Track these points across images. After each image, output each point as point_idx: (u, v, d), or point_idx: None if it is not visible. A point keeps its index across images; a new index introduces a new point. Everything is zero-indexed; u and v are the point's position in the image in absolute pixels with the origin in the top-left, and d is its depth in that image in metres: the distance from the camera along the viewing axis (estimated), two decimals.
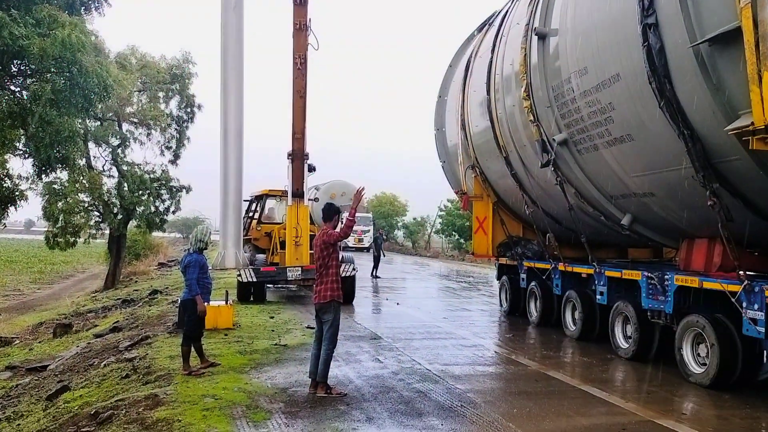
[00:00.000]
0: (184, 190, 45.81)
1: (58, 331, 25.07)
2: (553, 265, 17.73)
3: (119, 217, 44.00)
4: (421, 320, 20.23)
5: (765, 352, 11.08)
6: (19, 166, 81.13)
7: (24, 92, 25.33)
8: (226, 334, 16.67)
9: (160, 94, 44.31)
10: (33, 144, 25.97)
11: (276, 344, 15.50)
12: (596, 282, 15.53)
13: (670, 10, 9.98)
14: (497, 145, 18.14)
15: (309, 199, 26.06)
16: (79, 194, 41.58)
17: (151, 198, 44.45)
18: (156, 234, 58.63)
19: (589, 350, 15.37)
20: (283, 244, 24.23)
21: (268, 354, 14.42)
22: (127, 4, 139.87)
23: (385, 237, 60.16)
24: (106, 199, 42.98)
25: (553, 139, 14.54)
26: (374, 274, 35.48)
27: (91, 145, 42.56)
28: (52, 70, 23.30)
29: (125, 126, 44.38)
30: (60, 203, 40.08)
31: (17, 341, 26.10)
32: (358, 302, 24.10)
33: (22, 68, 24.75)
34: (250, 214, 27.96)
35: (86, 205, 42.77)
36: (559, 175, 15.07)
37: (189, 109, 45.40)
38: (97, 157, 44.00)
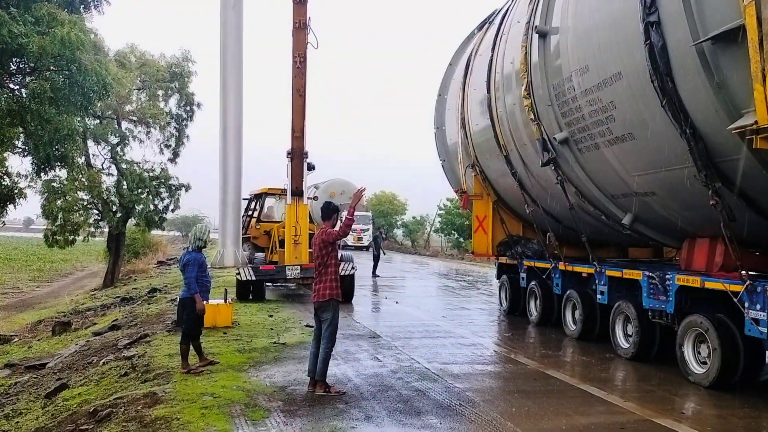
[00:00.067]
0: (183, 189, 45.89)
1: (57, 329, 25.04)
2: (553, 265, 17.69)
3: (118, 215, 44.04)
4: (420, 319, 20.19)
5: (767, 352, 11.03)
6: (18, 164, 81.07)
7: (23, 90, 25.32)
8: (225, 333, 16.63)
9: (160, 93, 44.33)
10: (32, 142, 25.99)
11: (275, 343, 15.47)
12: (597, 281, 15.48)
13: (673, 8, 9.93)
14: (497, 143, 18.08)
15: (308, 198, 26.02)
16: (78, 192, 41.65)
17: (150, 196, 44.51)
18: (155, 232, 58.68)
19: (588, 350, 15.33)
20: (282, 243, 24.19)
21: (266, 352, 14.40)
22: (127, 3, 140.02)
23: (384, 236, 60.12)
24: (105, 198, 43.03)
25: (554, 138, 14.49)
26: (374, 273, 35.49)
27: (90, 143, 42.64)
28: (52, 68, 23.30)
29: (124, 124, 44.46)
30: (59, 201, 40.13)
31: (16, 339, 26.10)
32: (358, 301, 24.09)
33: (21, 66, 24.73)
34: (250, 213, 27.94)
35: (85, 203, 42.83)
36: (560, 174, 15.02)
37: (188, 108, 45.48)
38: (97, 155, 44.18)
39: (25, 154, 29.92)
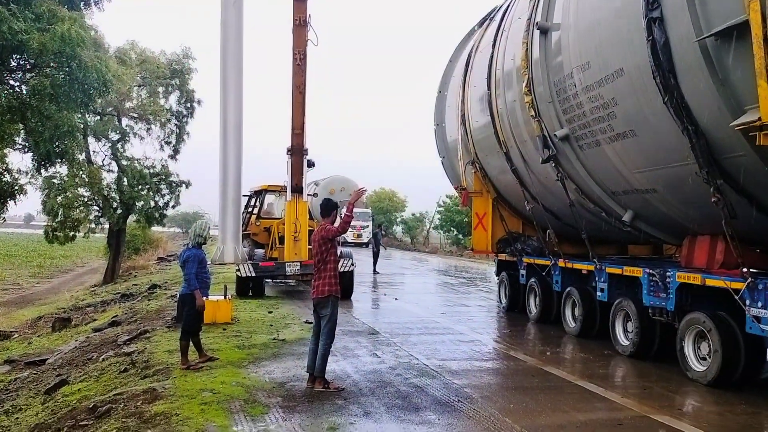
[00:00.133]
0: (183, 185, 45.76)
1: (57, 325, 25.07)
2: (553, 262, 17.66)
3: (119, 211, 43.95)
4: (419, 315, 20.21)
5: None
6: (19, 160, 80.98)
7: (23, 87, 25.31)
8: (224, 329, 16.65)
9: (160, 89, 44.21)
10: (32, 138, 25.97)
11: (274, 339, 15.49)
12: (597, 279, 15.47)
13: (676, 4, 9.88)
14: (497, 140, 18.05)
15: (308, 195, 26.02)
16: (79, 189, 41.57)
17: (151, 193, 44.39)
18: (155, 229, 58.55)
19: (587, 347, 15.33)
20: (282, 239, 24.28)
21: (266, 348, 14.41)
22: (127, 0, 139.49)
23: (384, 232, 60.09)
24: (105, 194, 42.94)
25: (555, 135, 14.46)
26: (374, 269, 35.56)
27: (90, 139, 42.50)
28: (52, 64, 23.28)
29: (125, 121, 44.34)
30: (59, 198, 40.03)
31: (16, 335, 26.12)
32: (357, 297, 24.12)
33: (21, 63, 24.71)
34: (250, 209, 27.98)
35: (86, 199, 42.74)
36: (560, 171, 14.99)
37: (189, 105, 45.37)
38: (97, 151, 44.04)
39: (26, 150, 29.88)
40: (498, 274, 22.47)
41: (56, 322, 25.69)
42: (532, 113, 15.19)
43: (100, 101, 32.47)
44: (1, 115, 23.89)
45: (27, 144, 28.81)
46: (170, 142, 45.06)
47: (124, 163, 43.77)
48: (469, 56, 20.75)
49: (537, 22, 14.55)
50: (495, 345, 16.02)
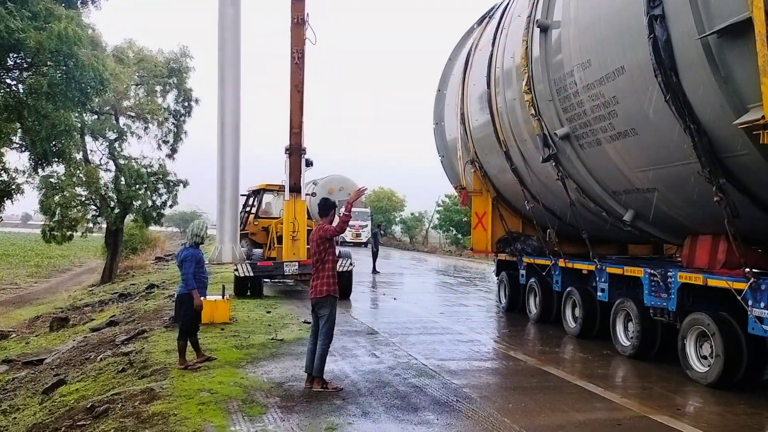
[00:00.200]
0: (181, 184, 45.71)
1: (55, 325, 25.01)
2: (553, 261, 17.60)
3: (116, 211, 43.92)
4: (418, 315, 20.17)
5: None
6: (16, 159, 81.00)
7: (20, 85, 25.30)
8: (222, 329, 16.60)
9: (158, 88, 44.16)
10: (29, 137, 25.97)
11: (272, 339, 15.45)
12: (597, 279, 15.41)
13: (678, 1, 9.79)
14: (497, 139, 17.97)
15: (306, 194, 25.97)
16: (76, 188, 41.54)
17: (148, 192, 44.36)
18: (153, 228, 58.54)
19: (586, 347, 15.30)
20: (280, 239, 24.25)
21: (264, 348, 14.38)
22: None
23: (383, 232, 60.07)
24: (103, 193, 42.87)
25: (555, 134, 14.37)
26: (374, 269, 35.55)
27: (88, 138, 42.46)
28: (49, 63, 23.27)
29: (122, 120, 44.33)
30: (57, 197, 39.99)
31: (14, 335, 26.09)
32: (356, 297, 24.09)
33: (18, 61, 24.68)
34: (248, 209, 27.95)
35: (83, 198, 42.69)
36: (561, 170, 14.91)
37: (186, 103, 45.38)
38: (94, 150, 43.99)
39: (23, 149, 29.90)
40: (497, 273, 22.41)
41: (54, 321, 25.62)
42: (532, 112, 15.11)
43: (97, 100, 32.49)
44: None
45: (24, 143, 28.82)
46: (168, 141, 45.05)
47: (122, 162, 43.72)
48: (469, 54, 20.69)
49: (537, 20, 14.47)
50: (494, 345, 15.98)
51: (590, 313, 15.97)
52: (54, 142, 25.89)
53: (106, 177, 43.99)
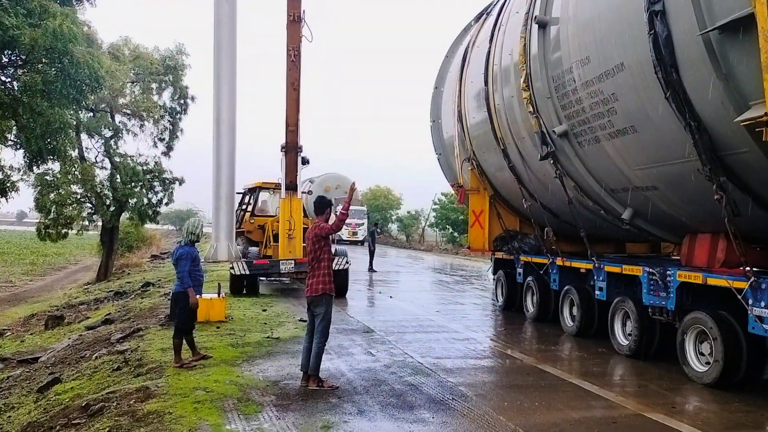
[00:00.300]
0: (177, 182, 45.71)
1: (50, 323, 24.96)
2: (550, 260, 17.54)
3: (112, 208, 43.83)
4: (414, 313, 20.18)
5: None
6: (11, 157, 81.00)
7: (15, 83, 25.25)
8: (218, 327, 16.59)
9: (153, 86, 44.24)
10: (24, 135, 25.90)
11: (268, 337, 15.45)
12: (595, 277, 15.34)
13: None
14: (495, 137, 17.90)
15: (303, 192, 25.93)
16: (72, 186, 41.52)
17: (144, 190, 44.37)
18: (149, 226, 58.50)
19: (583, 345, 15.31)
20: (276, 237, 24.22)
21: (260, 347, 14.37)
22: None
23: (379, 231, 60.08)
24: (98, 191, 42.82)
25: (553, 131, 14.29)
26: (371, 267, 35.54)
27: (83, 136, 42.42)
28: (44, 60, 23.24)
29: (118, 117, 44.31)
30: (52, 195, 40.00)
31: (8, 333, 26.11)
32: (352, 295, 24.11)
33: (12, 58, 24.66)
34: (244, 207, 27.90)
35: (78, 196, 42.66)
36: (559, 168, 14.83)
37: (182, 101, 45.36)
38: (90, 148, 43.95)
39: (18, 147, 29.78)
40: (494, 272, 22.37)
41: (49, 319, 25.57)
42: (530, 109, 15.04)
43: (92, 97, 32.36)
44: None
45: (19, 140, 28.69)
46: (164, 139, 45.06)
47: (117, 159, 43.64)
48: (466, 52, 20.63)
49: (535, 17, 14.38)
50: (490, 343, 15.98)
51: (588, 311, 15.90)
52: (49, 140, 25.81)
53: (101, 175, 44.03)
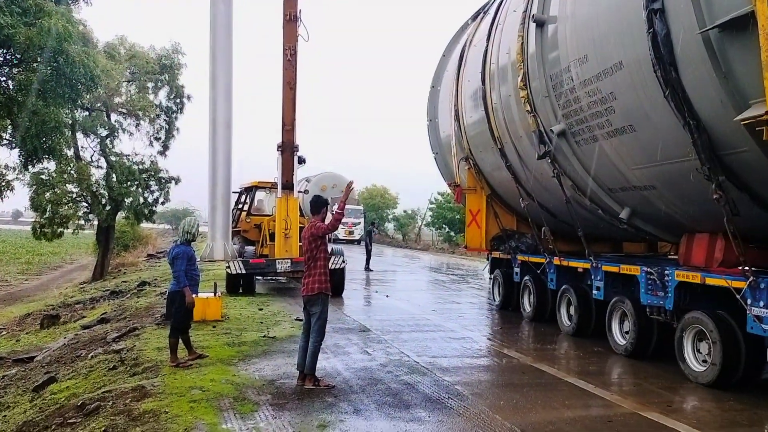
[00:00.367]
0: (173, 181, 45.70)
1: (46, 323, 24.87)
2: (548, 259, 17.50)
3: (107, 208, 43.82)
4: (411, 313, 20.17)
5: None
6: (6, 156, 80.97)
7: (10, 82, 25.19)
8: (214, 326, 16.56)
9: (149, 85, 44.22)
10: (19, 134, 25.83)
11: (264, 336, 15.44)
12: (593, 277, 15.30)
13: None
14: (492, 136, 17.87)
15: (299, 191, 25.92)
16: (67, 185, 41.49)
17: (140, 189, 44.37)
18: (145, 225, 58.60)
19: (579, 345, 15.33)
20: (272, 236, 24.22)
21: (256, 346, 14.36)
22: None
23: (377, 230, 60.11)
24: (94, 190, 42.78)
25: (551, 130, 14.26)
26: (367, 267, 35.57)
27: (79, 135, 42.46)
28: (39, 59, 23.18)
29: (114, 116, 44.36)
30: (48, 194, 39.97)
31: (4, 332, 26.06)
32: (348, 294, 24.06)
33: (7, 57, 24.64)
34: (240, 206, 27.87)
35: (74, 195, 42.62)
36: (556, 168, 14.80)
37: (178, 100, 45.38)
38: (86, 147, 43.97)
39: (13, 146, 29.72)
40: (491, 271, 22.32)
41: (45, 319, 25.49)
42: (528, 108, 15.02)
43: (88, 97, 32.38)
44: None
45: (14, 140, 28.62)
46: (160, 138, 45.10)
47: (113, 159, 43.67)
48: (463, 50, 20.58)
49: (533, 15, 14.34)
50: (486, 342, 15.94)
51: (585, 311, 15.87)
52: (44, 139, 25.77)
53: (97, 174, 44.06)
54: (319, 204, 11.60)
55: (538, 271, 18.16)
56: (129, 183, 43.29)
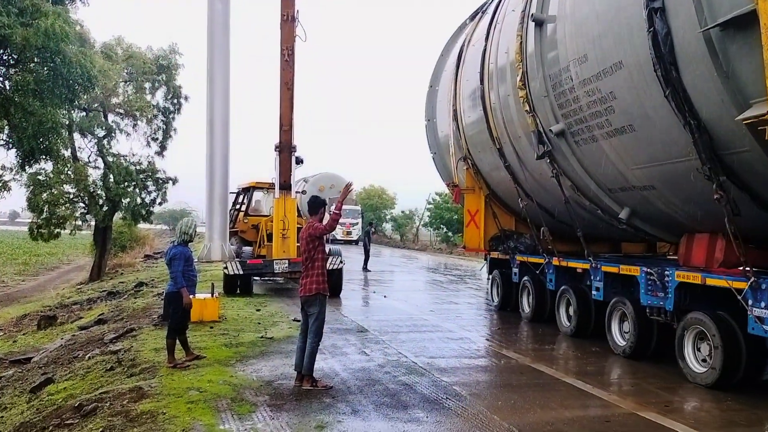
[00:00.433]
0: (170, 182, 45.65)
1: (43, 323, 24.87)
2: (546, 260, 17.45)
3: (105, 208, 43.75)
4: (408, 313, 20.16)
5: None
6: (3, 156, 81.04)
7: (6, 82, 25.17)
8: (211, 327, 16.53)
9: (147, 85, 44.16)
10: (16, 135, 25.82)
11: (262, 337, 15.43)
12: (592, 277, 15.27)
13: None
14: (490, 136, 17.82)
15: (297, 192, 25.86)
16: (64, 185, 41.43)
17: (137, 189, 44.29)
18: (142, 226, 58.56)
19: (578, 345, 15.31)
20: (270, 237, 24.17)
21: (253, 347, 14.35)
22: None
23: (374, 230, 60.08)
24: (91, 191, 42.72)
25: (550, 130, 14.21)
26: (365, 267, 35.64)
27: (76, 136, 42.34)
28: (36, 60, 23.15)
29: (111, 117, 44.25)
30: (45, 194, 39.90)
31: (1, 333, 25.99)
32: (346, 295, 24.05)
33: (4, 58, 24.61)
34: (238, 207, 27.83)
35: (71, 196, 42.56)
36: (555, 168, 14.75)
37: (175, 101, 45.32)
38: (83, 148, 43.83)
39: (10, 146, 29.70)
40: (490, 272, 22.30)
41: (42, 320, 25.48)
42: (527, 108, 14.97)
43: (85, 97, 32.36)
44: None
45: (11, 140, 28.60)
46: (157, 139, 45.03)
47: (111, 159, 43.57)
48: (461, 50, 20.54)
49: (532, 14, 14.30)
50: (484, 343, 15.92)
51: (585, 312, 15.83)
52: (41, 139, 25.78)
53: (94, 174, 43.91)
54: (316, 204, 11.60)
55: (537, 272, 18.11)
56: (126, 183, 43.21)
